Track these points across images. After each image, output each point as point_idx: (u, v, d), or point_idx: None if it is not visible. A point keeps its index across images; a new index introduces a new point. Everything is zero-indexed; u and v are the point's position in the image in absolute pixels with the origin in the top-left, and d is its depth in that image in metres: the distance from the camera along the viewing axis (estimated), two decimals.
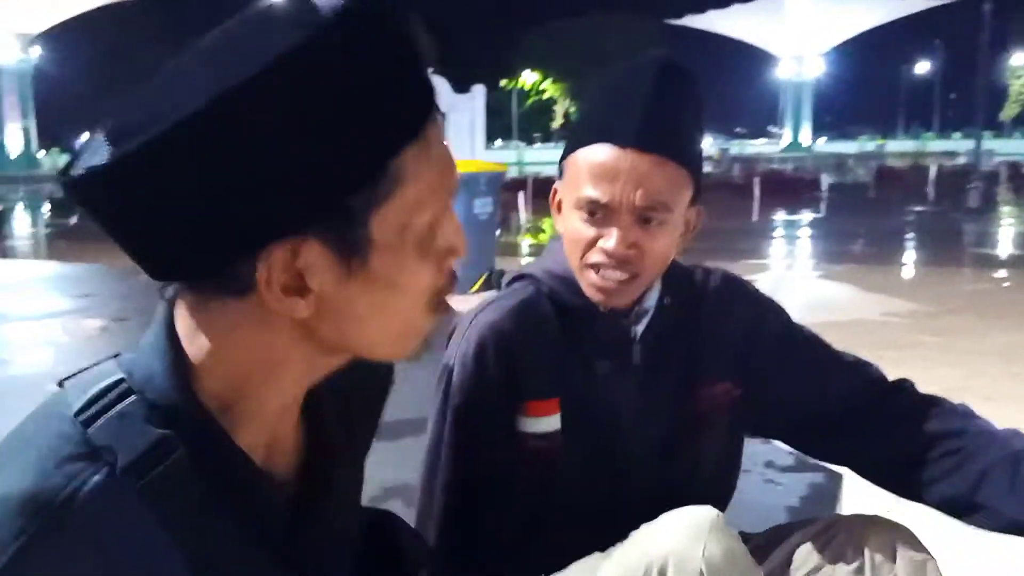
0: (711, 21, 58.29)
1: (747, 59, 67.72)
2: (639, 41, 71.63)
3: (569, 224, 1.19)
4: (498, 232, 8.78)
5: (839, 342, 1.35)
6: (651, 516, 1.09)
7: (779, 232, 14.04)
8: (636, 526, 1.08)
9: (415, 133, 0.64)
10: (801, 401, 1.28)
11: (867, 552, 1.13)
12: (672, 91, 1.15)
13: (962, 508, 1.18)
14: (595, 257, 1.16)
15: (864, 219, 14.73)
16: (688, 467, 1.28)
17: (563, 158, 1.21)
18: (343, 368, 0.74)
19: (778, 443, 1.45)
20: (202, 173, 0.59)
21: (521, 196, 15.77)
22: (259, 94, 0.58)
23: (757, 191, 19.46)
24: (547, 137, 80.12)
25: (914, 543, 1.14)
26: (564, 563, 1.16)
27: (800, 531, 1.22)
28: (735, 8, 56.18)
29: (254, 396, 0.69)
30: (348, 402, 0.83)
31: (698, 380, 1.28)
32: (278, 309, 0.64)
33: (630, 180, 1.12)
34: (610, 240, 1.14)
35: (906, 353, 4.89)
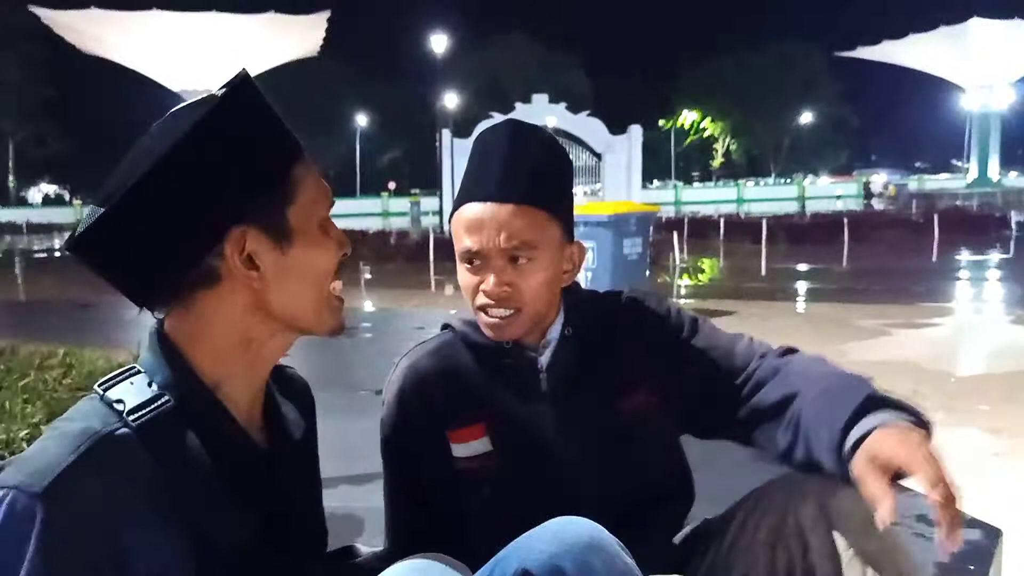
0: (886, 52, 55.90)
1: (927, 89, 64.30)
2: (807, 75, 69.65)
3: (460, 276, 1.37)
4: (647, 272, 8.55)
5: None
6: (597, 516, 1.18)
7: (963, 273, 12.94)
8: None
9: (301, 155, 1.00)
10: (716, 392, 1.39)
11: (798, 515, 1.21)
12: (522, 147, 1.33)
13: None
14: (480, 300, 1.34)
15: None
16: (627, 475, 1.38)
17: (449, 221, 1.39)
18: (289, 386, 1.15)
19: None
20: (168, 201, 0.92)
21: (676, 236, 15.40)
22: (194, 144, 0.92)
23: (937, 229, 18.15)
24: (706, 176, 78.78)
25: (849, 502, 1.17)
26: None
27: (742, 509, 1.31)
28: (912, 38, 53.59)
29: (233, 374, 0.98)
30: (302, 408, 1.16)
31: (616, 396, 1.40)
32: (242, 279, 0.95)
33: (493, 227, 1.29)
34: (487, 283, 1.32)
35: None
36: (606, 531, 1.08)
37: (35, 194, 69.98)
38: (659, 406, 1.42)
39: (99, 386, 0.94)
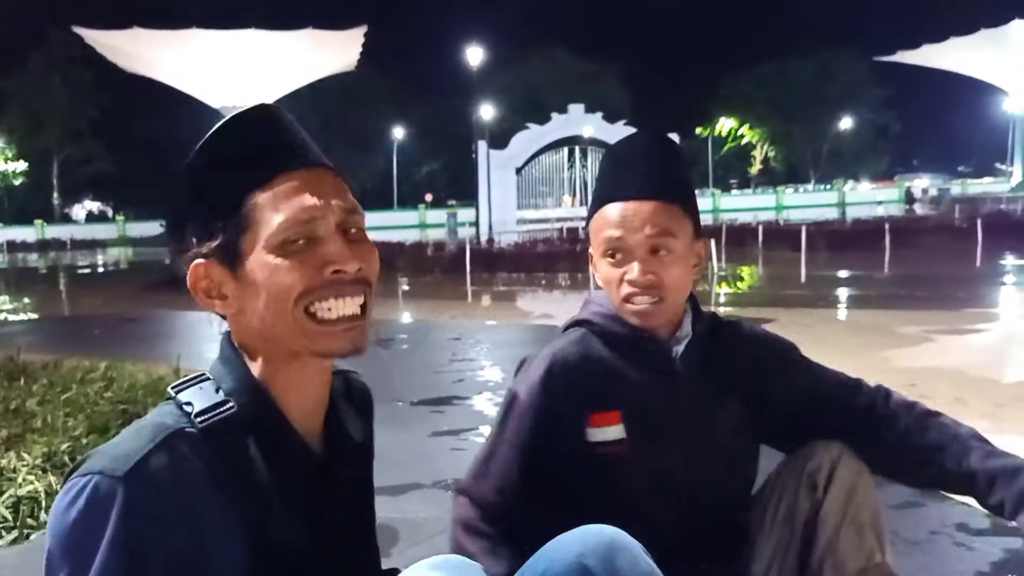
0: (926, 56, 55.08)
1: (969, 93, 63.14)
2: (848, 81, 68.83)
3: (601, 271, 1.50)
4: None
5: None
6: (694, 512, 1.48)
7: (1007, 279, 12.65)
8: (685, 522, 1.38)
9: (260, 182, 0.99)
10: (803, 420, 1.56)
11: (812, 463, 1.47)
12: (656, 152, 1.50)
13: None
14: (625, 289, 1.46)
15: None
16: (724, 471, 1.54)
17: (587, 225, 1.54)
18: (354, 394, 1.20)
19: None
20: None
21: (714, 244, 15.26)
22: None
23: (980, 234, 17.78)
24: (745, 183, 78.11)
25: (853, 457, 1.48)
26: None
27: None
28: (953, 41, 52.73)
29: (292, 382, 1.02)
30: (362, 415, 1.19)
31: (726, 399, 1.54)
32: (207, 306, 1.03)
33: (637, 221, 1.43)
34: (633, 272, 1.45)
35: None
36: (627, 534, 1.14)
37: (79, 211, 71.44)
38: (757, 420, 1.57)
39: (172, 388, 1.01)
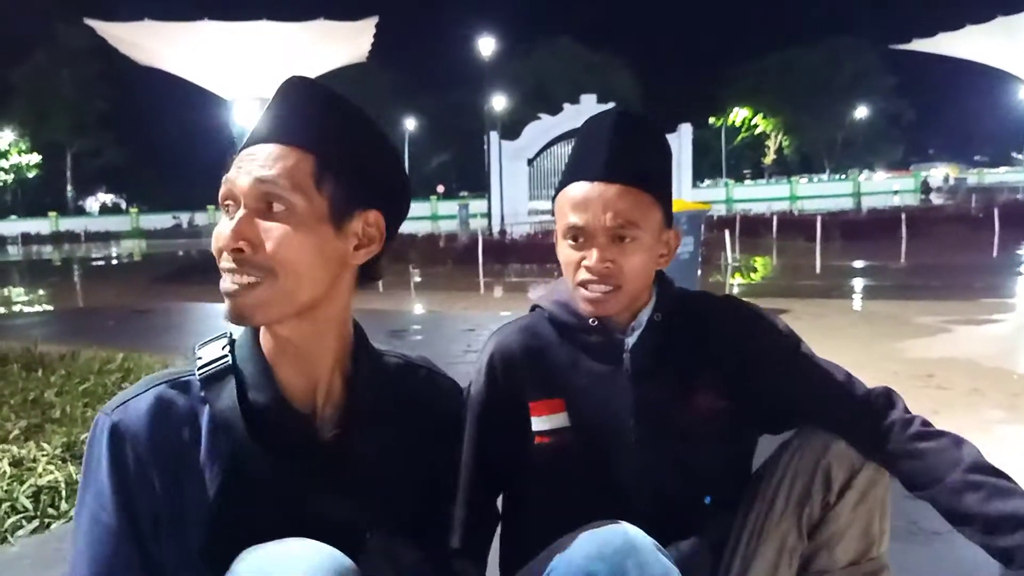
0: (942, 44, 54.46)
1: (986, 81, 62.36)
2: (860, 69, 68.28)
3: (561, 252, 1.43)
4: (699, 272, 8.46)
5: None
6: (652, 508, 1.35)
7: None
8: (639, 517, 1.19)
9: (231, 155, 1.12)
10: (792, 410, 1.46)
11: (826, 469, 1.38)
12: (628, 132, 1.39)
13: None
14: (581, 275, 1.39)
15: None
16: (686, 472, 1.42)
17: (553, 200, 1.45)
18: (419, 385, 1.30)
19: None
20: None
21: (727, 234, 15.20)
22: None
23: (997, 223, 17.64)
24: (758, 174, 77.69)
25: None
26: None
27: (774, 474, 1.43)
28: (969, 29, 52.20)
29: (289, 352, 1.12)
30: (419, 409, 1.26)
31: (694, 390, 1.43)
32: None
33: (600, 205, 1.35)
34: (591, 258, 1.37)
35: None
36: (642, 533, 1.10)
37: (92, 203, 71.81)
38: (735, 409, 1.44)
39: (197, 344, 1.16)
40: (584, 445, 1.41)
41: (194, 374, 1.12)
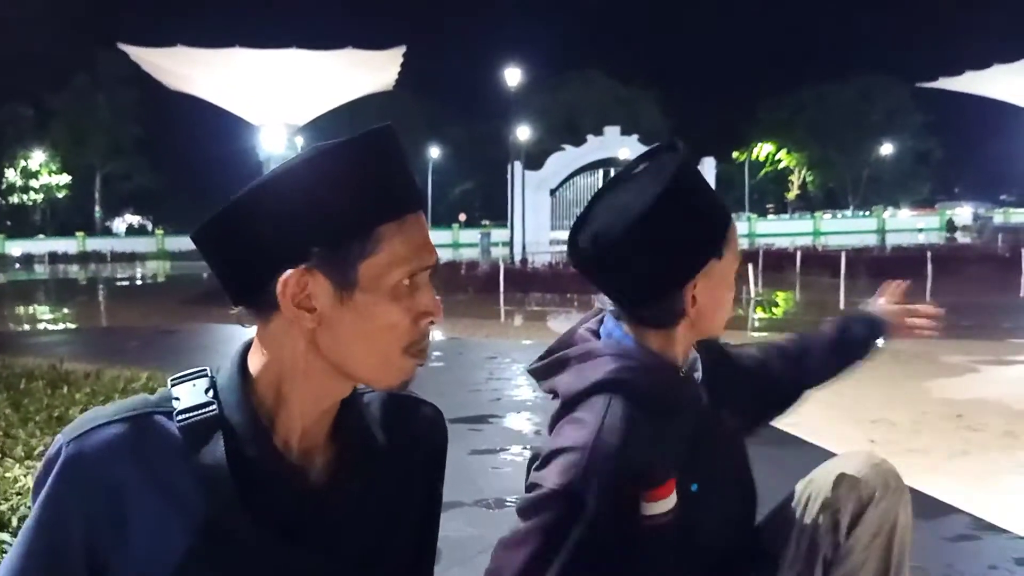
0: (969, 83, 54.34)
1: (1013, 120, 61.91)
2: (889, 106, 68.16)
3: (725, 284, 1.43)
4: None
5: None
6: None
7: None
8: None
9: (394, 216, 0.98)
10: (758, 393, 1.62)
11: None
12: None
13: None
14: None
15: None
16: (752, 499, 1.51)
17: (717, 237, 1.47)
18: (401, 423, 1.15)
19: None
20: (254, 227, 0.97)
21: (750, 268, 15.12)
22: (270, 185, 0.98)
23: None
24: (781, 208, 77.44)
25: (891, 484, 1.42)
26: None
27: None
28: (996, 68, 52.05)
29: (288, 401, 1.01)
30: (406, 450, 1.15)
31: (733, 415, 1.48)
32: (291, 317, 0.96)
33: None
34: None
35: None
36: None
37: (119, 224, 72.72)
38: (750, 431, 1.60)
39: (172, 379, 1.04)
40: (694, 515, 1.35)
41: (171, 412, 0.99)
